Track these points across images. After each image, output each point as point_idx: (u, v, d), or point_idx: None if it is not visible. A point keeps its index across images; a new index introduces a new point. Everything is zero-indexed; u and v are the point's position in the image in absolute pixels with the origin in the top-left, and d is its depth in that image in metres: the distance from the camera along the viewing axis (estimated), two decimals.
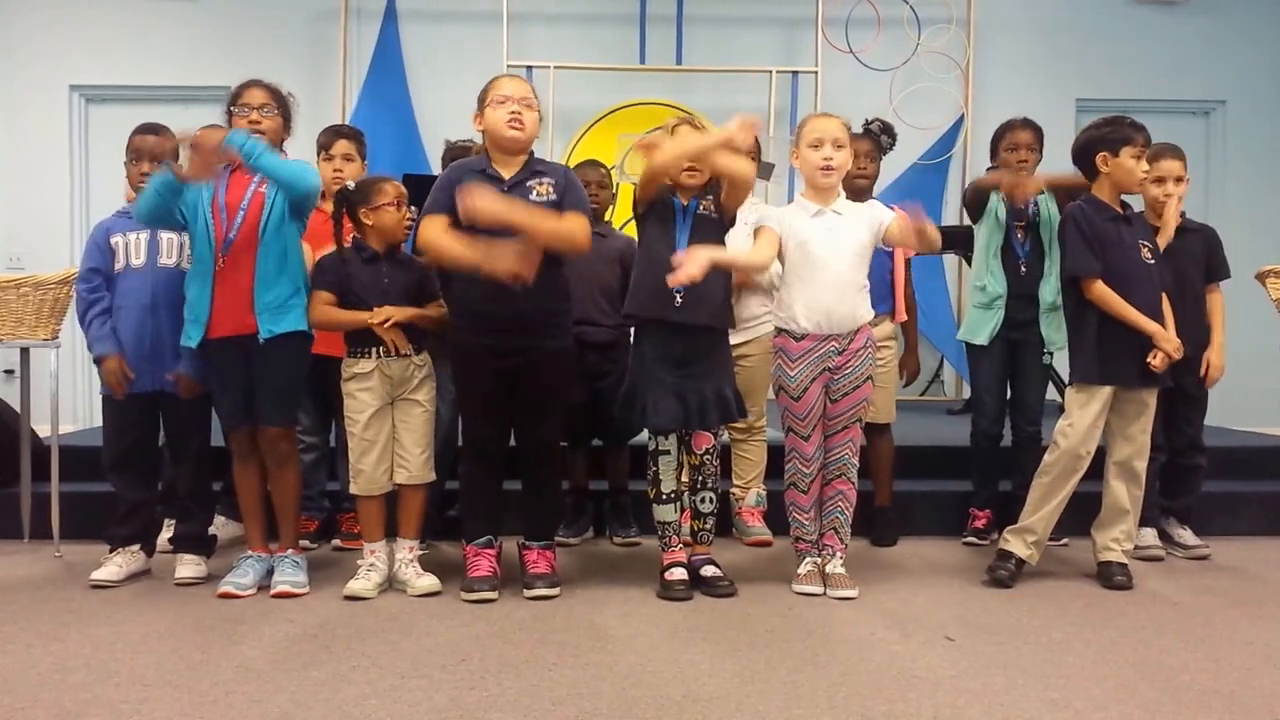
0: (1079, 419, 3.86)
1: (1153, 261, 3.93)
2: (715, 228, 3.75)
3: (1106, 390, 3.86)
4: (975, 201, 4.57)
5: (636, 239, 3.85)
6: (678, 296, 3.62)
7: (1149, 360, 3.80)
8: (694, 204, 3.74)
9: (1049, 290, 4.34)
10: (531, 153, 3.75)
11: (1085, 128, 4.09)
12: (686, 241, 3.66)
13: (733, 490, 4.55)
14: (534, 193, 3.63)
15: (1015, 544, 3.94)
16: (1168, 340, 3.80)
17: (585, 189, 3.88)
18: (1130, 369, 3.84)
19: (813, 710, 2.62)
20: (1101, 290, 3.85)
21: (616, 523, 4.56)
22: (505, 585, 3.72)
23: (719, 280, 3.72)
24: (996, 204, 4.51)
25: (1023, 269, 4.42)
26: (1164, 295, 3.97)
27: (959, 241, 5.41)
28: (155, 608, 3.54)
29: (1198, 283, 4.34)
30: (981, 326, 4.51)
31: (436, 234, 3.58)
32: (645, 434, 3.85)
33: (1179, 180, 4.25)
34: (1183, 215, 4.36)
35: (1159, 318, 3.88)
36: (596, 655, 3.03)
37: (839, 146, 3.72)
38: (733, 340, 4.25)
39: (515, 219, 3.45)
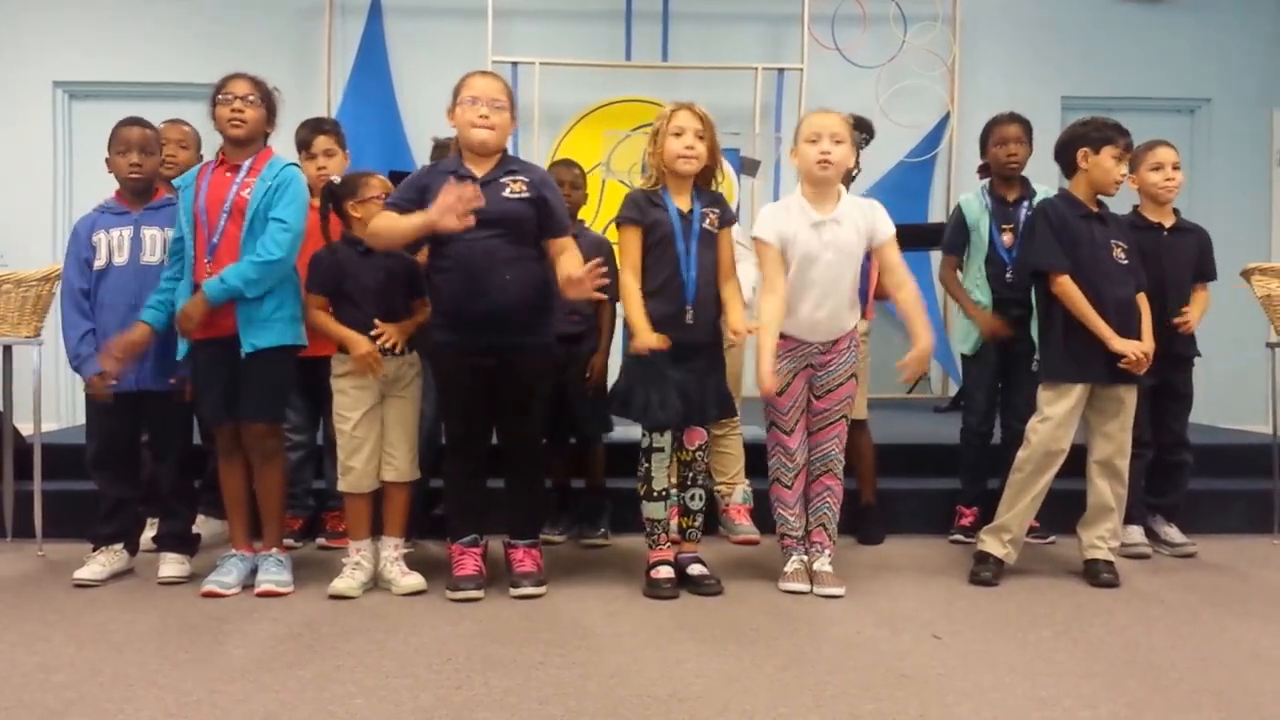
0: (1051, 416, 3.86)
1: (1126, 262, 3.93)
2: (716, 244, 3.74)
3: (1078, 388, 3.86)
4: (958, 224, 4.62)
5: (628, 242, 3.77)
6: (689, 314, 3.65)
7: (1120, 362, 3.81)
8: (696, 213, 3.71)
9: None
10: (505, 152, 3.74)
11: (1071, 124, 4.10)
12: (696, 258, 3.67)
13: (718, 488, 4.54)
14: (507, 189, 3.61)
15: (992, 544, 3.94)
16: (1121, 344, 3.80)
17: (559, 188, 3.86)
18: (1101, 366, 3.84)
19: (800, 709, 2.61)
20: (1066, 286, 3.86)
21: (588, 523, 4.50)
22: (491, 584, 3.71)
23: (716, 299, 3.75)
24: (978, 218, 4.53)
25: (1009, 275, 4.42)
26: (1143, 295, 3.98)
27: (936, 238, 5.42)
28: (139, 607, 3.52)
29: (1188, 282, 4.35)
30: (968, 337, 4.57)
31: (386, 219, 3.57)
32: (632, 431, 3.84)
33: (1175, 167, 4.26)
34: (1176, 214, 4.39)
35: (1130, 317, 3.89)
36: (583, 654, 3.02)
37: (837, 141, 3.67)
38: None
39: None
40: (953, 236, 4.63)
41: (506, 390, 3.68)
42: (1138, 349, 3.80)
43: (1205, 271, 4.40)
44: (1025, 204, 4.46)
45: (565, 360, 4.24)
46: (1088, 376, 3.86)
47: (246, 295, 3.56)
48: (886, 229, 3.76)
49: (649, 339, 3.56)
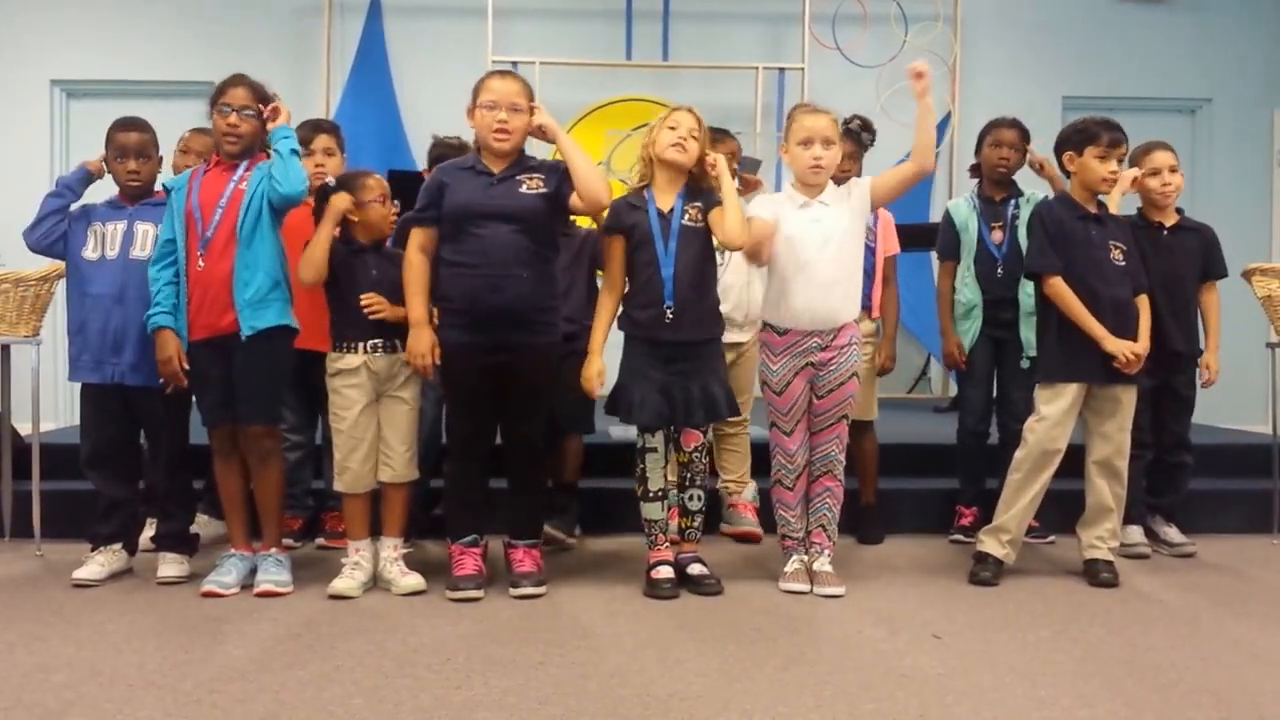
0: (1047, 415, 3.87)
1: (1124, 263, 3.93)
2: (702, 239, 3.73)
3: (1073, 388, 3.86)
4: (948, 227, 4.65)
5: (609, 253, 3.81)
6: (668, 313, 3.63)
7: (1111, 363, 3.81)
8: (677, 211, 3.71)
9: (1026, 292, 4.34)
10: (522, 152, 3.74)
11: (1062, 129, 4.11)
12: (675, 257, 3.66)
13: (726, 484, 4.55)
14: (523, 185, 3.63)
15: (990, 544, 3.94)
16: (1114, 344, 3.79)
17: None
18: (1096, 366, 3.84)
19: (800, 709, 2.61)
20: (1058, 288, 3.87)
21: (558, 520, 4.34)
22: (491, 584, 3.71)
23: (708, 294, 3.76)
24: (967, 219, 4.56)
25: (999, 270, 4.46)
26: (1146, 296, 3.98)
27: (931, 238, 5.43)
28: (138, 607, 3.51)
29: (1191, 281, 4.35)
30: (961, 337, 4.56)
31: (411, 257, 3.68)
32: (633, 431, 3.84)
33: (1173, 170, 4.26)
34: (1180, 212, 4.39)
35: (1127, 318, 3.89)
36: (583, 654, 3.02)
37: (828, 144, 3.71)
38: (740, 338, 4.38)
39: (561, 138, 3.66)
40: (945, 241, 4.66)
41: (512, 390, 3.68)
42: (1130, 350, 3.80)
43: (1212, 270, 4.40)
44: (1012, 202, 4.52)
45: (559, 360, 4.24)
46: (1083, 376, 3.86)
47: (284, 157, 3.66)
48: (865, 180, 3.85)
49: (589, 370, 3.75)
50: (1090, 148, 3.90)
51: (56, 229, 3.90)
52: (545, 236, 3.65)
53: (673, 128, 3.70)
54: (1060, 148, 4.03)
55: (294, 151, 3.68)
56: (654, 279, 3.67)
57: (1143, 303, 3.97)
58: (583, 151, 3.69)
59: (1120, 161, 3.95)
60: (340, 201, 3.70)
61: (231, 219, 3.63)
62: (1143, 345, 3.86)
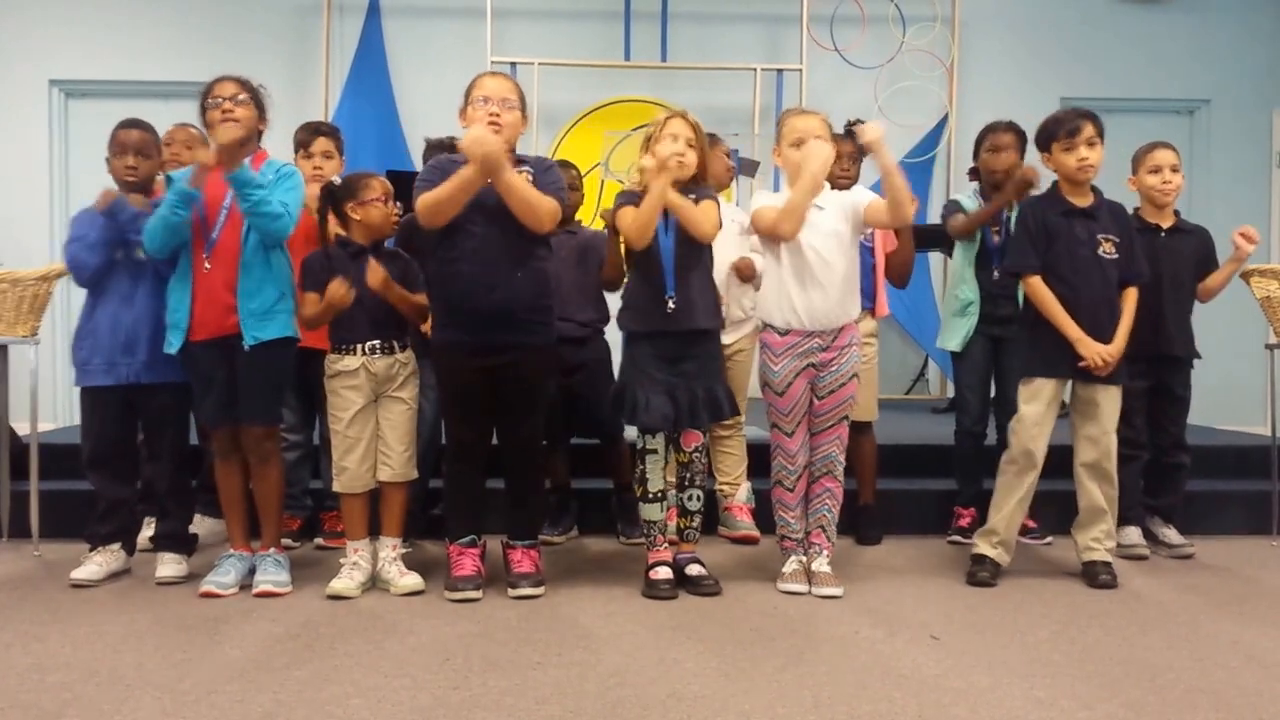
0: (1025, 415, 3.87)
1: (1115, 255, 3.90)
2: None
3: (1050, 385, 3.87)
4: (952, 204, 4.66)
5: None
6: (670, 303, 3.64)
7: (1079, 364, 3.81)
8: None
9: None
10: (513, 149, 3.74)
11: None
12: (673, 252, 3.67)
13: (721, 487, 4.55)
14: None
15: (984, 546, 3.95)
16: (1086, 347, 3.78)
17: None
18: (1071, 363, 3.83)
19: (798, 709, 2.61)
20: (1035, 287, 3.88)
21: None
22: (489, 584, 3.71)
23: (708, 285, 3.77)
24: (970, 212, 4.55)
25: (995, 273, 4.46)
26: (1133, 291, 3.94)
27: (936, 239, 5.43)
28: (136, 607, 3.51)
29: (1188, 283, 4.36)
30: (955, 333, 4.59)
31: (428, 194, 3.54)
32: (632, 432, 3.84)
33: (1174, 170, 4.27)
34: (1177, 214, 4.40)
35: (1105, 313, 3.86)
36: (581, 654, 3.02)
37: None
38: (723, 339, 4.32)
39: (504, 168, 3.47)
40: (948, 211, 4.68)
41: (509, 391, 3.68)
42: (1103, 354, 3.78)
43: (1208, 272, 4.42)
44: (1011, 204, 4.49)
45: (574, 364, 4.25)
46: (1057, 372, 3.86)
47: (254, 203, 3.52)
48: (866, 195, 3.83)
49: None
50: (1055, 143, 3.91)
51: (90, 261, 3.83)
52: (538, 234, 3.65)
53: (673, 138, 3.68)
54: (1037, 150, 4.04)
55: (269, 213, 3.57)
56: (655, 271, 3.67)
57: (1129, 298, 3.95)
58: (519, 180, 3.55)
59: (1090, 146, 3.86)
60: (338, 293, 3.62)
61: (236, 224, 3.63)
62: (1116, 348, 3.83)
